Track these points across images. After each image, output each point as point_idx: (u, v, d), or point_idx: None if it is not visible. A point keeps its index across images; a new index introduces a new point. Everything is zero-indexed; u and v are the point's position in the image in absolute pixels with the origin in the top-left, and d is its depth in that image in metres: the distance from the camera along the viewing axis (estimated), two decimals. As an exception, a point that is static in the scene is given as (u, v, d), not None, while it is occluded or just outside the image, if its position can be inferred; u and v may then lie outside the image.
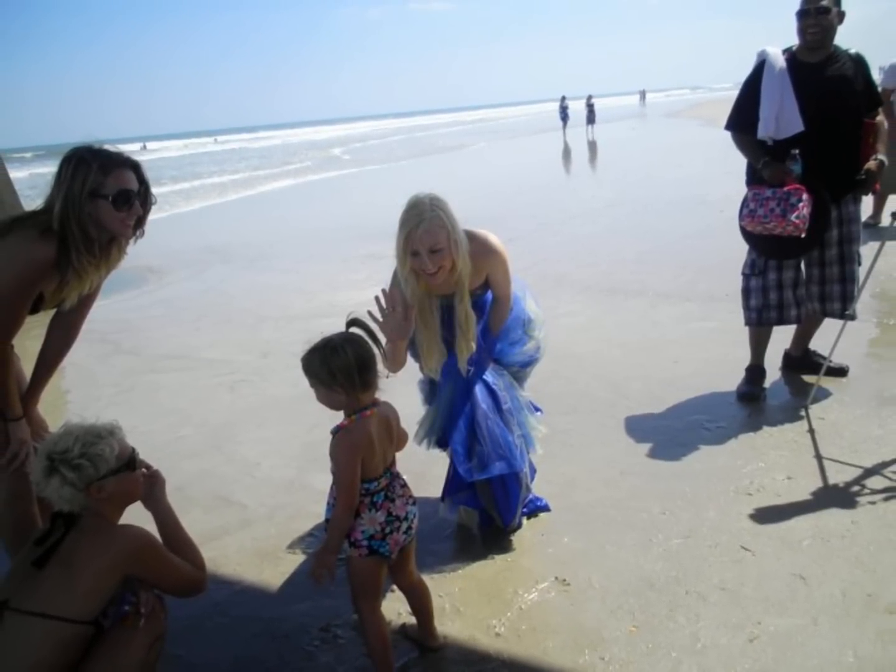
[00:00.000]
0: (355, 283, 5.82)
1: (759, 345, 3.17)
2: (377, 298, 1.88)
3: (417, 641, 1.85)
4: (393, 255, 2.02)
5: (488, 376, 2.18)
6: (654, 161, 13.41)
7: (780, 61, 2.86)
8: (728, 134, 3.07)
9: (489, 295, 2.22)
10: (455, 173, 15.56)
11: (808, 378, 3.24)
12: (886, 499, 2.28)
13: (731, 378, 3.24)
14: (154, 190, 1.85)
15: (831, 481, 2.42)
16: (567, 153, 19.01)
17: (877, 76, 3.64)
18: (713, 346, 3.76)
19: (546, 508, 2.41)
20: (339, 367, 1.55)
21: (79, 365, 4.31)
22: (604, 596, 1.96)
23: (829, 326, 3.13)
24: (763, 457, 2.64)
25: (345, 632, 1.92)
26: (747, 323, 3.13)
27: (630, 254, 6.14)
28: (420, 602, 1.82)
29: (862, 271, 3.00)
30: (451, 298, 2.09)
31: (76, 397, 4.00)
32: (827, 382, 3.12)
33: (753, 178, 2.97)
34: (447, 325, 2.14)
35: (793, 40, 2.92)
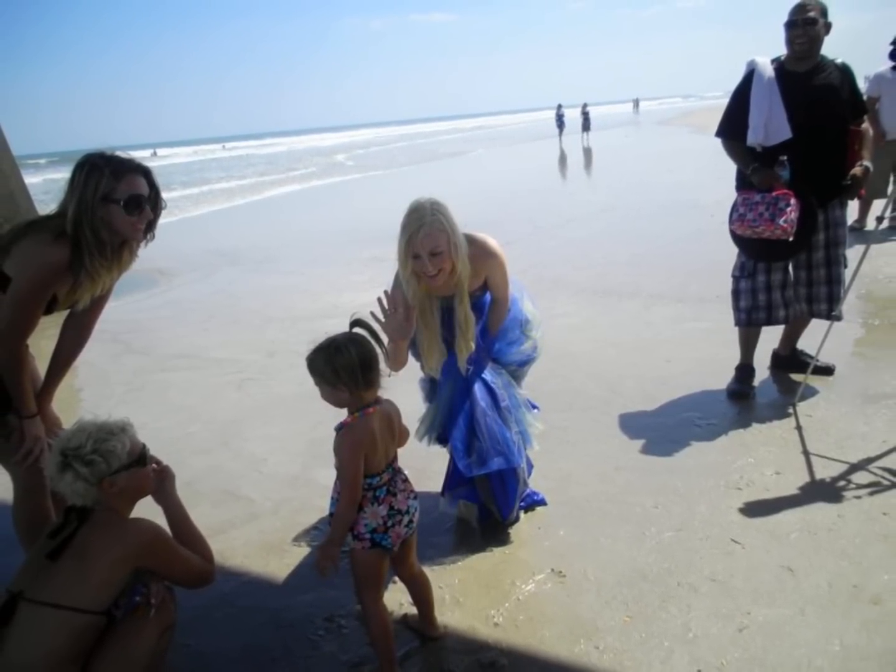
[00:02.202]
0: (358, 285, 5.87)
1: (748, 344, 3.22)
2: (379, 300, 1.92)
3: (418, 631, 1.88)
4: (395, 258, 2.05)
5: (487, 375, 2.22)
6: (647, 167, 13.46)
7: (768, 71, 2.92)
8: (718, 141, 3.11)
9: (488, 296, 2.26)
10: (455, 179, 15.59)
11: (795, 377, 3.29)
12: (871, 493, 2.32)
13: (722, 377, 3.29)
14: (164, 195, 1.88)
15: (818, 476, 2.47)
16: (563, 159, 19.07)
17: (862, 85, 3.72)
18: (704, 346, 3.81)
19: (543, 503, 2.45)
20: (343, 365, 1.58)
21: (91, 364, 4.36)
22: (598, 587, 2.00)
23: (816, 327, 3.18)
24: (752, 453, 2.68)
25: (348, 622, 1.96)
26: (737, 323, 3.19)
27: (624, 256, 6.20)
28: (421, 593, 1.85)
29: (848, 273, 3.05)
30: (451, 300, 2.13)
31: (89, 395, 4.04)
32: (814, 381, 3.17)
33: (743, 183, 3.02)
34: (447, 326, 2.18)
35: (781, 50, 2.97)
